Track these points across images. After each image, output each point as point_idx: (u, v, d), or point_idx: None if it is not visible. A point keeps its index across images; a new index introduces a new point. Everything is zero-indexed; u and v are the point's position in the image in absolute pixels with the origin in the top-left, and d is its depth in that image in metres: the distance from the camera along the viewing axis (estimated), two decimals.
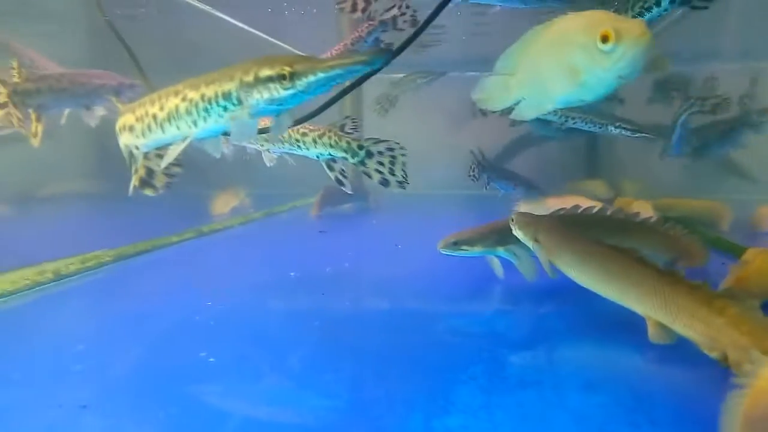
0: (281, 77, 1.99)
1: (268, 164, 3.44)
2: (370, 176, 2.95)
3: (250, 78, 2.05)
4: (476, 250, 3.08)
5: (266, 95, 2.04)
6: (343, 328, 2.61)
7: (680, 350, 2.05)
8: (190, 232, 4.79)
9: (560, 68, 1.96)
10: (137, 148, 2.55)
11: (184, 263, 4.05)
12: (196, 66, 2.44)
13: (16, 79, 3.07)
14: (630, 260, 2.22)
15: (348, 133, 3.00)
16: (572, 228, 2.70)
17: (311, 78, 1.99)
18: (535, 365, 2.18)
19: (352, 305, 3.04)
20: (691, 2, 3.29)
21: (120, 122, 2.59)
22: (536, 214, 2.94)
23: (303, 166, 3.43)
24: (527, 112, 2.24)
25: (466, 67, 7.84)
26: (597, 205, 5.20)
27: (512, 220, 2.86)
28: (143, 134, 2.42)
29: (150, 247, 4.17)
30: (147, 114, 2.37)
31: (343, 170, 3.03)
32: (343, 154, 2.95)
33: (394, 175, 2.91)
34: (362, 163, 2.92)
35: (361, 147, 2.90)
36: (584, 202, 5.57)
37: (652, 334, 2.07)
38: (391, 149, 2.89)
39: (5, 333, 2.60)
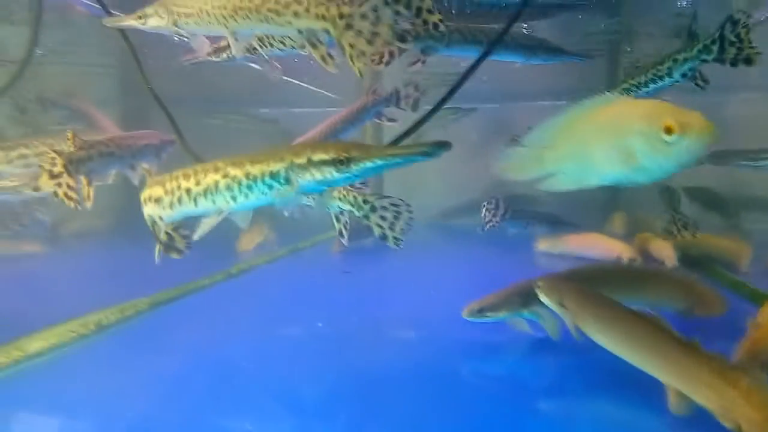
0: (338, 162, 2.13)
1: (285, 213, 3.61)
2: (372, 230, 3.09)
3: (302, 161, 2.19)
4: (501, 315, 3.18)
5: (318, 177, 2.18)
6: (373, 386, 2.73)
7: (698, 418, 2.13)
8: (219, 275, 4.96)
9: (614, 150, 2.10)
10: (161, 218, 2.71)
11: (215, 311, 4.18)
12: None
13: (70, 149, 3.27)
14: (652, 329, 2.33)
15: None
16: (596, 292, 2.80)
17: (367, 164, 2.12)
18: (552, 421, 2.29)
19: (380, 357, 3.16)
20: (696, 80, 3.43)
21: (146, 193, 2.75)
22: (560, 277, 3.05)
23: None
24: (564, 184, 2.37)
25: (490, 100, 8.21)
26: (615, 248, 5.38)
27: (538, 286, 2.97)
28: (171, 206, 2.57)
29: (183, 292, 4.33)
30: (179, 188, 2.51)
31: (347, 222, 3.16)
32: (350, 207, 3.10)
33: (393, 230, 3.03)
34: (366, 217, 3.07)
35: (366, 201, 3.05)
36: (603, 241, 5.71)
37: (672, 403, 2.18)
38: (396, 205, 3.02)
39: (55, 390, 2.76)
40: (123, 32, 3.45)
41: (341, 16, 2.57)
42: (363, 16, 2.54)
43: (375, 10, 2.70)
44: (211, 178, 2.39)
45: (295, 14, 2.65)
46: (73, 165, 3.28)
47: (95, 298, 3.99)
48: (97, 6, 3.70)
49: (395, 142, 3.31)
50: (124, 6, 3.81)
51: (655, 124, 1.92)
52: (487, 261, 6.04)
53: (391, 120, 4.59)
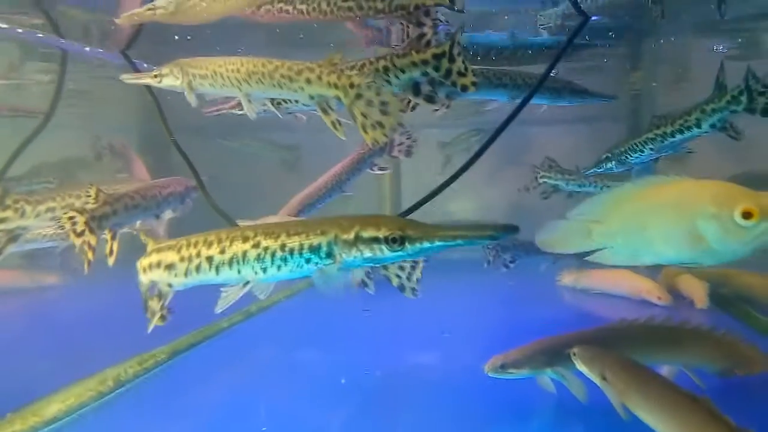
0: (391, 240, 2.00)
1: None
2: (389, 280, 3.00)
3: (349, 236, 2.05)
4: (524, 373, 3.07)
5: (367, 254, 2.05)
6: None
7: None
8: (238, 315, 4.88)
9: (678, 232, 2.02)
10: (170, 286, 2.48)
11: (236, 359, 4.11)
12: None
13: (92, 205, 3.17)
14: (702, 412, 2.20)
15: None
16: (642, 366, 2.68)
17: (425, 245, 1.99)
18: None
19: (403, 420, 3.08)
20: (728, 131, 3.33)
21: (152, 259, 2.49)
22: (596, 337, 2.93)
23: None
24: (615, 259, 2.29)
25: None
26: (642, 286, 5.22)
27: (574, 354, 2.85)
28: (187, 274, 2.35)
29: (201, 337, 4.26)
30: (199, 255, 2.31)
31: (369, 272, 3.09)
32: None
33: (410, 281, 2.95)
34: (385, 267, 2.99)
35: None
36: (629, 277, 5.54)
37: None
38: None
39: None
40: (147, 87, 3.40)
41: (352, 85, 2.55)
42: (370, 87, 2.52)
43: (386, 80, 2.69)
44: (239, 247, 2.22)
45: (308, 81, 2.66)
46: (95, 221, 3.17)
47: (114, 338, 3.94)
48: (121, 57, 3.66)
49: (432, 195, 3.21)
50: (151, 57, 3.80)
51: (730, 207, 1.85)
52: (508, 296, 5.91)
53: (381, 169, 4.63)
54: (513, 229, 1.92)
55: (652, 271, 5.72)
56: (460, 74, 2.70)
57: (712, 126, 3.44)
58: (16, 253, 3.91)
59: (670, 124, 3.67)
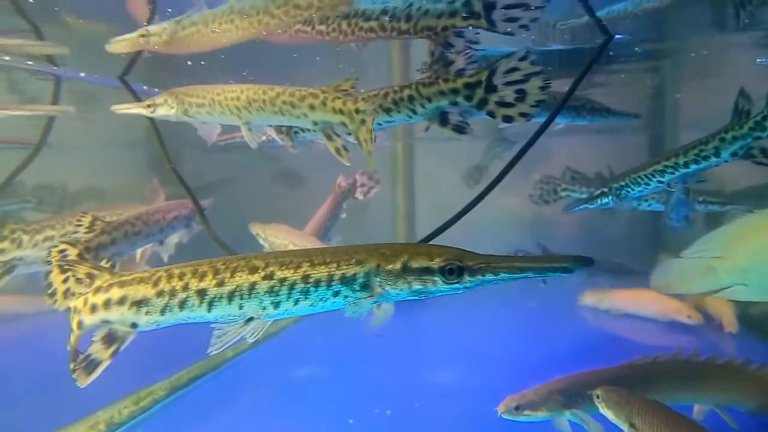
0: (448, 272, 1.78)
1: None
2: None
3: (395, 266, 1.81)
4: (540, 415, 2.88)
5: (417, 286, 1.81)
6: None
7: None
8: (244, 343, 4.71)
9: None
10: (134, 326, 2.02)
11: (234, 397, 3.93)
12: None
13: (86, 235, 2.96)
14: None
15: None
16: (673, 412, 2.46)
17: (488, 277, 1.77)
18: None
19: None
20: (756, 158, 3.07)
21: (110, 295, 2.03)
22: (625, 388, 2.71)
23: None
24: (748, 296, 2.15)
25: (521, 135, 7.75)
26: (669, 307, 4.98)
27: (597, 397, 2.64)
28: (164, 311, 1.96)
29: (205, 369, 4.09)
30: (186, 288, 1.94)
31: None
32: None
33: None
34: None
35: None
36: (655, 298, 5.28)
37: None
38: None
39: None
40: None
41: (357, 111, 2.44)
42: (377, 113, 2.43)
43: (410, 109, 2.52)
44: (243, 278, 1.90)
45: (311, 107, 2.56)
46: (91, 253, 2.93)
47: (111, 370, 3.77)
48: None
49: (455, 219, 3.02)
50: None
51: None
52: (528, 318, 5.67)
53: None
54: (588, 261, 1.70)
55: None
56: (503, 105, 2.48)
57: (733, 154, 3.18)
58: (16, 276, 3.81)
59: (683, 153, 3.38)
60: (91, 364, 2.04)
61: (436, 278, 1.78)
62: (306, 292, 1.85)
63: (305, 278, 1.84)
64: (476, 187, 8.44)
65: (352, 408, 3.55)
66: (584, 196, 5.27)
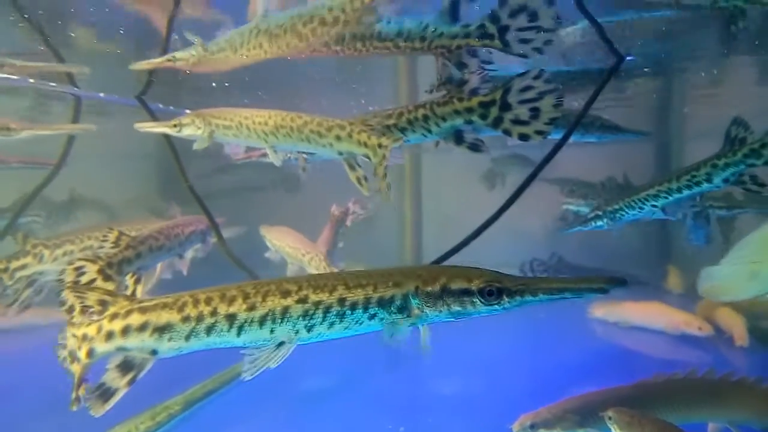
0: (487, 293, 1.81)
1: None
2: None
3: (434, 288, 1.84)
4: None
5: (456, 308, 1.84)
6: None
7: None
8: None
9: None
10: (154, 353, 1.98)
11: (254, 408, 3.96)
12: None
13: (110, 250, 2.97)
14: None
15: None
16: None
17: (527, 297, 1.80)
18: None
19: None
20: (746, 184, 3.10)
21: (130, 321, 1.97)
22: (638, 408, 2.72)
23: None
24: None
25: (529, 146, 7.77)
26: (679, 320, 4.97)
27: (609, 418, 2.66)
28: (189, 338, 1.94)
29: (219, 384, 4.11)
30: (215, 313, 1.92)
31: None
32: None
33: None
34: None
35: None
36: (665, 311, 5.28)
37: None
38: None
39: None
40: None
41: (380, 146, 2.51)
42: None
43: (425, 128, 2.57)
44: (275, 302, 1.89)
45: (338, 138, 2.65)
46: (114, 268, 2.92)
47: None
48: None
49: (470, 240, 3.10)
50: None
51: None
52: (538, 332, 5.67)
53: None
54: (622, 281, 1.74)
55: (686, 302, 5.48)
56: (518, 123, 2.52)
57: (725, 181, 3.22)
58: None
59: (676, 179, 3.43)
60: (106, 393, 2.00)
61: (475, 300, 1.82)
62: (342, 315, 1.87)
63: (341, 301, 1.86)
64: (489, 192, 8.50)
65: (366, 425, 3.55)
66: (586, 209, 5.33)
